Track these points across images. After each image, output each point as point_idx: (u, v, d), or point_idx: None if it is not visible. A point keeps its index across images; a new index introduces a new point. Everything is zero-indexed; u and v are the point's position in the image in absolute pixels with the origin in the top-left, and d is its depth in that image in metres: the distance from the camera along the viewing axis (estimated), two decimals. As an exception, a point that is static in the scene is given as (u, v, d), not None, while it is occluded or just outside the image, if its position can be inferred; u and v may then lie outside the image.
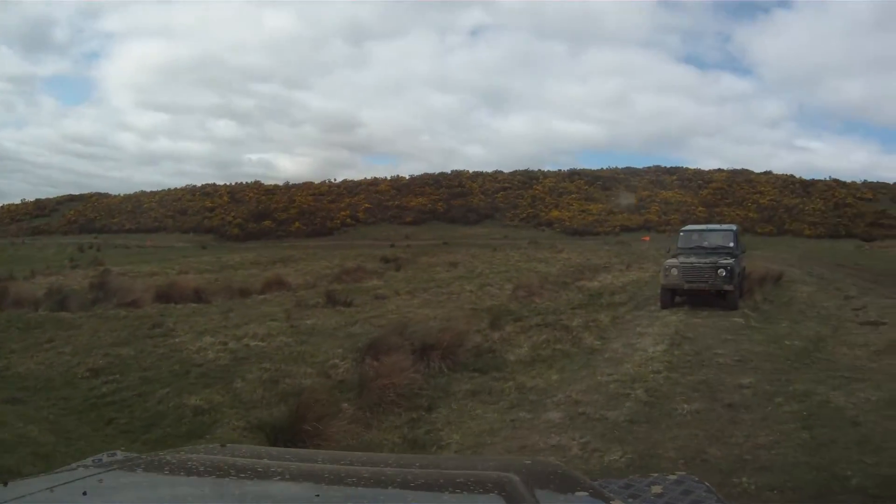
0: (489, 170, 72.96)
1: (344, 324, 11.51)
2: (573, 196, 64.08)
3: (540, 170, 72.38)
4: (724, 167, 70.39)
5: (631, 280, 20.54)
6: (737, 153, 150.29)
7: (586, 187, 65.76)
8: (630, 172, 69.05)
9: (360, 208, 65.96)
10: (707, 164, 73.77)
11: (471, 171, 75.46)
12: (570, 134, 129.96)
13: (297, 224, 66.38)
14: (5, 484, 1.43)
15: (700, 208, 56.78)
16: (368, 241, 42.79)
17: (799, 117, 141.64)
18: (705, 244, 15.36)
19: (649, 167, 69.66)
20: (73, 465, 1.84)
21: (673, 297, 14.21)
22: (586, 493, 1.57)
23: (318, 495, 1.43)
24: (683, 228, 16.96)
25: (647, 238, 39.16)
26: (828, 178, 66.71)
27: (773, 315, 13.02)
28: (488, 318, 11.36)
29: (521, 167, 73.36)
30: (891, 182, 67.55)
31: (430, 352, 7.86)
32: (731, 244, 15.18)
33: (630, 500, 1.77)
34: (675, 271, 14.01)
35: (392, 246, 36.32)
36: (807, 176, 67.30)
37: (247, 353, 8.89)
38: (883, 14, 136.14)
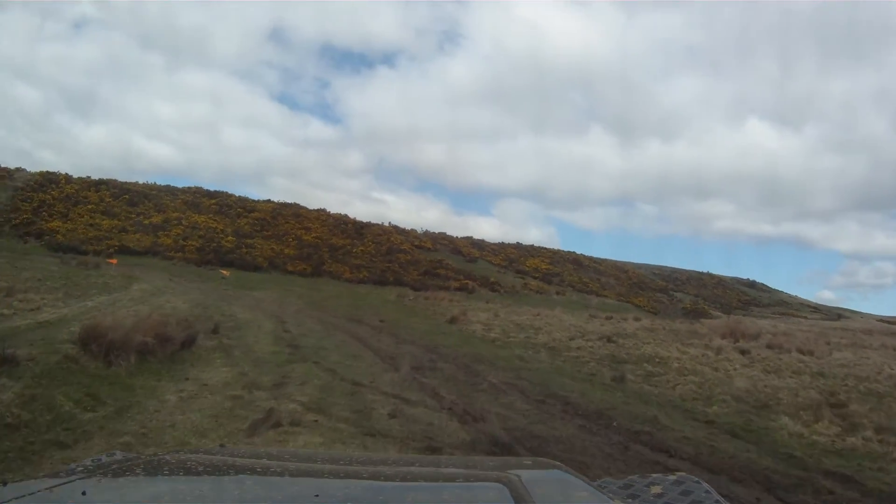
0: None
1: None
2: (89, 207, 49.69)
3: (66, 174, 56.30)
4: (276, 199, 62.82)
5: None
6: (313, 197, 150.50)
7: (109, 199, 51.97)
8: (167, 191, 57.40)
9: None
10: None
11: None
12: (150, 154, 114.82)
13: None
14: (5, 484, 1.37)
15: (230, 237, 47.87)
16: None
17: (378, 171, 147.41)
18: None
19: (189, 187, 58.94)
20: (73, 465, 1.78)
21: None
22: (586, 493, 1.50)
23: (317, 495, 1.32)
24: None
25: (115, 261, 28.65)
26: (387, 223, 61.31)
27: None
28: None
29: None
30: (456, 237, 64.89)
31: None
32: None
33: (629, 500, 1.72)
34: None
35: None
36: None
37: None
38: (477, 90, 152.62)
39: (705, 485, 1.80)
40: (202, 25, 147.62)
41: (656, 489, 1.77)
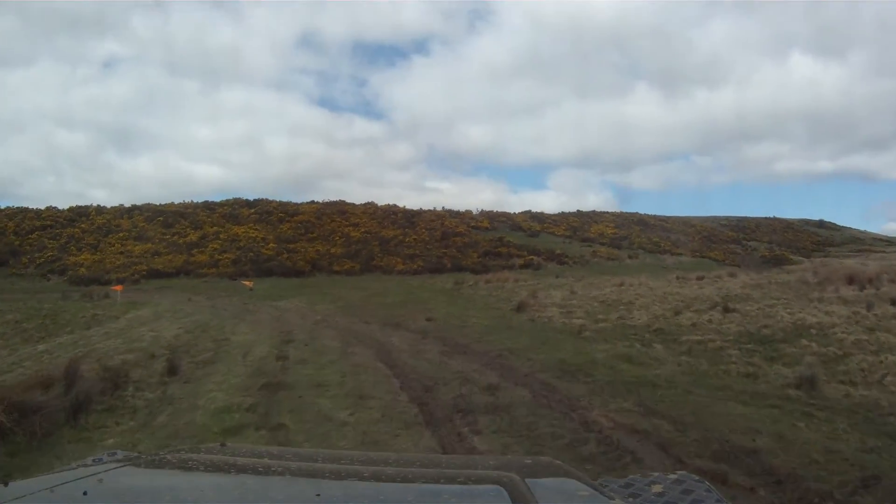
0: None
1: None
2: (121, 235, 46.77)
3: (97, 205, 53.68)
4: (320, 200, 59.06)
5: None
6: (365, 194, 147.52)
7: (143, 224, 49.01)
8: (204, 207, 54.26)
9: None
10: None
11: (15, 206, 54.37)
12: (199, 176, 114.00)
13: None
14: (6, 484, 1.32)
15: (271, 244, 44.24)
16: None
17: (429, 159, 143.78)
18: None
19: (227, 199, 55.76)
20: (74, 464, 1.73)
21: None
22: (586, 492, 1.43)
23: (318, 494, 1.29)
24: None
25: (120, 288, 24.92)
26: (440, 209, 56.87)
27: None
28: None
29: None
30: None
31: None
32: None
33: (630, 499, 1.66)
34: None
35: None
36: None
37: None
38: (515, 64, 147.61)
39: (707, 483, 1.71)
40: (231, 44, 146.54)
41: (657, 488, 1.68)
